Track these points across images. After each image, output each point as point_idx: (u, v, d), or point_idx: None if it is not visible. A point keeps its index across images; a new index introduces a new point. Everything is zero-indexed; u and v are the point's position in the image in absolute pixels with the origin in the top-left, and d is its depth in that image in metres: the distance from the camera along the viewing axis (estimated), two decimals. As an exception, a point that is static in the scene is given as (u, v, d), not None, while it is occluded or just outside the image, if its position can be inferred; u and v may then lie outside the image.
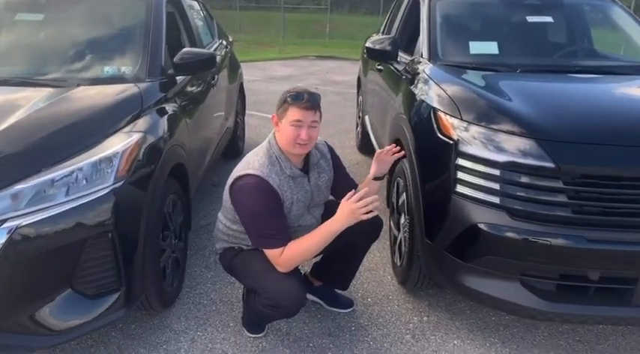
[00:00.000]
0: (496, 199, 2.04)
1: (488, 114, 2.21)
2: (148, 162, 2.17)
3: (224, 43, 4.66)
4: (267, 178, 2.01)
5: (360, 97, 5.22)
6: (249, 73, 9.71)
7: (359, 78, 5.35)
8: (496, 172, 2.05)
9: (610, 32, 3.53)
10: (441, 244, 2.23)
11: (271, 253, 2.03)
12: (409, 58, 3.25)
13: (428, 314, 2.55)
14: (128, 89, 2.42)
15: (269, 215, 2.00)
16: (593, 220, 1.97)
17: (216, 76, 3.70)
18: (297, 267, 2.12)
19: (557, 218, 1.97)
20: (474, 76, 2.65)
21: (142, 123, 2.27)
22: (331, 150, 2.30)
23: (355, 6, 22.89)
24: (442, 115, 2.31)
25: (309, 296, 2.56)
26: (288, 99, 2.00)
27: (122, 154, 2.03)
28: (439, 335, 2.39)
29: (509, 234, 2.01)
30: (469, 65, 2.82)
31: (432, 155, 2.33)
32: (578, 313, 2.06)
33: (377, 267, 2.98)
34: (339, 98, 7.95)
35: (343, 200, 2.01)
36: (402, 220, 2.68)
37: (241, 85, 5.03)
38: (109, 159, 2.00)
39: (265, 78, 9.85)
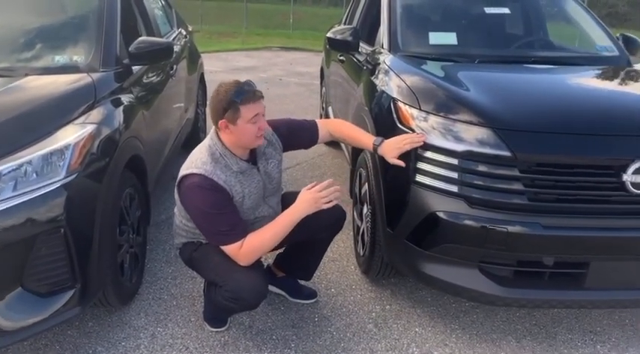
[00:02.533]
0: (454, 188, 2.07)
1: (446, 104, 2.23)
2: (103, 154, 2.10)
3: (183, 32, 4.56)
4: (212, 176, 1.97)
5: (324, 89, 5.21)
6: (211, 64, 9.57)
7: (322, 69, 5.34)
8: (454, 161, 2.07)
9: (566, 25, 3.62)
10: (401, 233, 2.24)
11: (230, 249, 2.00)
12: (370, 48, 3.25)
13: (390, 303, 2.58)
14: (80, 79, 2.33)
15: (219, 212, 1.96)
16: (548, 207, 2.02)
17: (175, 66, 3.61)
18: (259, 259, 2.11)
19: (514, 206, 2.01)
20: (433, 67, 2.67)
21: (95, 114, 2.20)
22: (276, 129, 2.24)
23: (319, -3, 22.85)
24: (402, 105, 2.31)
25: (272, 288, 2.54)
26: (237, 100, 1.93)
27: (74, 146, 1.96)
28: (401, 323, 2.42)
29: (468, 222, 2.04)
30: (429, 56, 2.84)
31: (392, 145, 2.33)
32: (535, 298, 2.11)
33: (341, 257, 2.99)
34: (303, 89, 7.92)
35: (305, 189, 2.01)
36: (365, 210, 2.69)
37: (202, 75, 4.94)
38: (60, 151, 1.92)
39: (228, 69, 9.71)
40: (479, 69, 2.73)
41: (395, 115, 2.33)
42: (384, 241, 2.40)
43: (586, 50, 3.32)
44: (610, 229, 2.01)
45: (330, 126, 2.42)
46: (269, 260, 2.62)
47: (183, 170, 2.03)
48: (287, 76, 9.09)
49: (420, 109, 2.22)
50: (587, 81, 2.69)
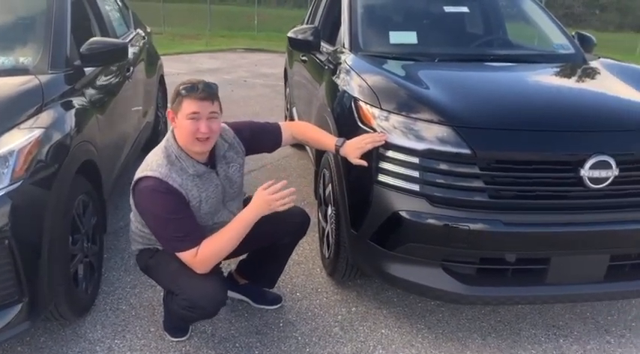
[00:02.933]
0: (416, 187, 2.05)
1: (407, 103, 2.21)
2: (51, 160, 2.00)
3: (141, 33, 4.44)
4: (167, 179, 1.90)
5: (288, 89, 5.17)
6: (174, 66, 9.46)
7: (285, 70, 5.29)
8: (415, 160, 2.06)
9: (525, 25, 3.68)
10: (365, 233, 2.21)
11: (185, 256, 1.93)
12: (332, 48, 3.22)
13: (356, 305, 2.55)
14: (27, 81, 2.21)
15: (174, 217, 1.90)
16: (509, 203, 2.02)
17: (131, 68, 3.50)
18: (217, 264, 2.04)
19: (475, 203, 2.01)
20: (393, 66, 2.66)
21: (44, 118, 2.09)
22: (238, 132, 2.18)
23: (283, -2, 22.81)
24: (363, 104, 2.29)
25: (235, 295, 2.49)
26: (182, 91, 1.90)
27: (18, 152, 1.86)
28: (367, 325, 2.39)
29: (430, 221, 2.02)
30: (389, 55, 2.82)
31: (354, 145, 2.30)
32: (498, 295, 2.12)
33: (306, 260, 2.95)
34: (268, 91, 7.85)
35: (260, 188, 1.95)
36: (329, 211, 2.65)
37: (162, 77, 4.82)
38: (3, 158, 1.82)
39: (191, 71, 9.54)
40: (439, 68, 2.73)
41: (356, 115, 2.30)
42: (348, 242, 2.37)
43: (543, 48, 3.37)
44: (569, 225, 2.02)
45: (294, 128, 2.37)
46: (232, 266, 2.55)
47: (138, 173, 1.96)
48: (252, 78, 9.01)
49: (381, 109, 2.20)
50: (545, 78, 2.72)
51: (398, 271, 2.15)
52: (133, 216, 2.09)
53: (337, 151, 2.22)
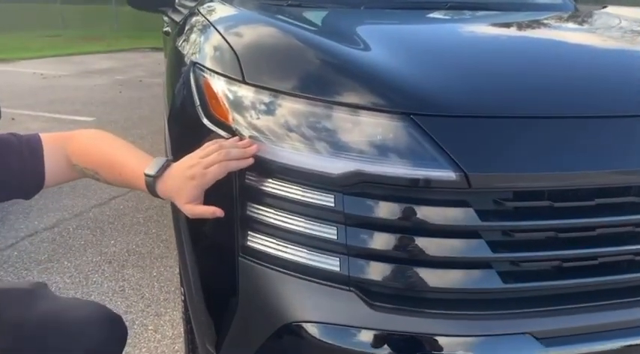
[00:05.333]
0: (334, 264, 0.86)
1: (309, 73, 1.01)
2: None
3: None
4: None
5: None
6: (59, 68, 8.23)
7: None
8: (329, 199, 0.87)
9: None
10: (232, 362, 1.00)
11: None
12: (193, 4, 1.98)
13: None
14: None
15: None
16: (547, 290, 0.87)
17: None
18: None
19: (473, 298, 0.85)
20: (291, 15, 1.47)
21: None
22: None
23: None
24: (210, 78, 1.06)
25: None
26: None
27: None
28: None
29: (368, 345, 0.84)
30: (282, 3, 1.63)
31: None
32: None
33: (162, 363, 1.70)
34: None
35: None
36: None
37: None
38: None
39: (79, 72, 8.03)
40: (373, 18, 1.57)
41: (198, 102, 1.08)
42: (206, 367, 1.14)
43: None
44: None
45: (70, 145, 1.02)
46: None
47: None
48: (150, 77, 7.61)
49: (245, 83, 0.98)
50: (550, 33, 1.61)
51: None
52: None
53: (150, 187, 0.97)
